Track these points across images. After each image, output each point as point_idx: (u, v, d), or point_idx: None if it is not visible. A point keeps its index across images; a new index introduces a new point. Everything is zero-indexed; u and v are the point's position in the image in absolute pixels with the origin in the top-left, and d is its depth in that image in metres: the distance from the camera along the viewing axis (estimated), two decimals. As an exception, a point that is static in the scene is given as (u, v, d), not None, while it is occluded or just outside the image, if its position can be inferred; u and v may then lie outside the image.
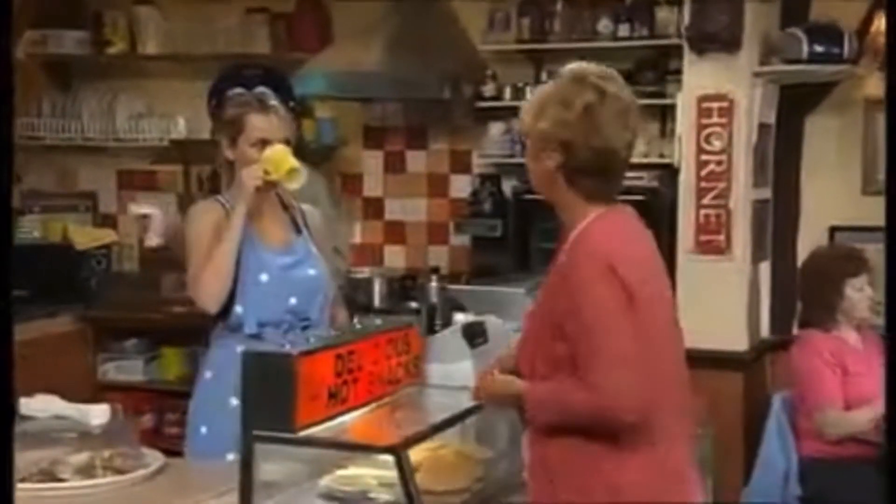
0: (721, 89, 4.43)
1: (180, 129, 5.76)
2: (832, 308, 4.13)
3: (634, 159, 2.45)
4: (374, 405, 2.58)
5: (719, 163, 4.46)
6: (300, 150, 3.25)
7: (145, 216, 5.59)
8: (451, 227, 5.49)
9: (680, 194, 4.55)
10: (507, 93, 5.20)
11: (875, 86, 4.54)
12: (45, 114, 5.96)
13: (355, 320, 3.42)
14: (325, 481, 2.53)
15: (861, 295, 4.11)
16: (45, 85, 6.03)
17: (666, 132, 5.00)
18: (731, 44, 4.38)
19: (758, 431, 4.27)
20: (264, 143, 3.12)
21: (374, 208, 5.71)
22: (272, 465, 2.41)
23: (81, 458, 2.70)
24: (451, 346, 2.86)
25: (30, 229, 5.63)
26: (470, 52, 5.10)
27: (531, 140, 2.38)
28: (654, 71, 4.94)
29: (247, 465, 2.33)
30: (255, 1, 5.71)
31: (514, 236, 5.07)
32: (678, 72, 4.69)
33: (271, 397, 2.31)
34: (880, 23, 4.48)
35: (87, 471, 2.66)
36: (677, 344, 2.41)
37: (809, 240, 4.74)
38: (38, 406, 2.81)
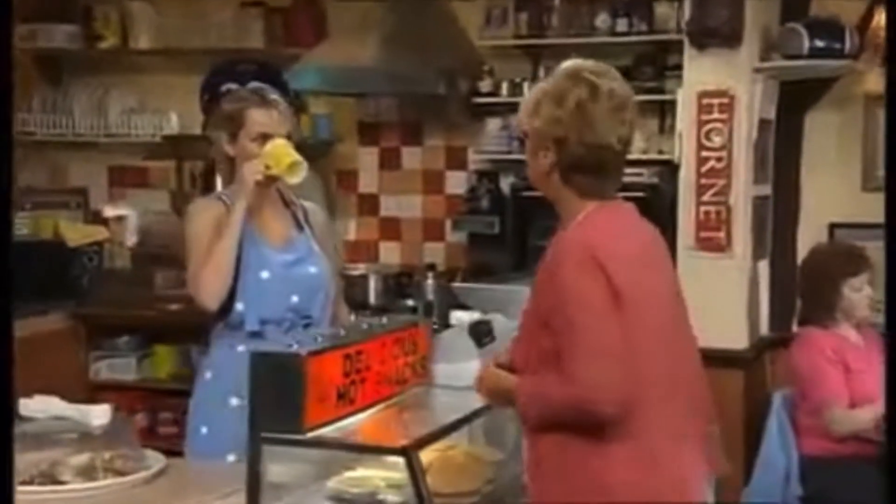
0: (722, 85, 4.40)
1: (173, 124, 5.71)
2: (831, 307, 4.11)
3: (633, 156, 2.45)
4: (381, 406, 2.54)
5: (719, 159, 4.43)
6: (297, 146, 3.21)
7: (120, 218, 5.57)
8: (449, 224, 5.45)
9: (680, 191, 4.51)
10: (504, 88, 5.17)
11: (875, 81, 4.51)
12: (35, 109, 5.90)
13: (356, 318, 3.39)
14: (333, 483, 2.49)
15: (860, 295, 4.09)
16: (35, 80, 5.97)
17: (665, 128, 4.97)
18: (731, 39, 4.34)
19: (758, 430, 4.25)
20: (265, 137, 3.08)
21: (369, 205, 5.67)
22: (279, 466, 2.37)
23: (82, 459, 2.65)
24: (458, 346, 2.82)
25: (20, 226, 5.55)
26: (467, 47, 5.07)
27: (529, 138, 2.40)
28: (653, 66, 4.92)
29: (254, 468, 2.28)
30: (250, -5, 5.67)
31: (512, 233, 5.04)
32: (677, 67, 4.66)
33: (279, 398, 2.27)
34: (881, 17, 4.45)
35: (87, 472, 2.62)
36: (677, 343, 2.37)
37: (809, 237, 4.72)
38: (37, 407, 2.76)
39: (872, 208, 3.83)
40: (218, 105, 3.31)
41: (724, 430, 3.96)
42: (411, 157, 5.59)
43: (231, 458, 2.93)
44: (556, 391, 2.22)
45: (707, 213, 4.45)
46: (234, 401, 3.01)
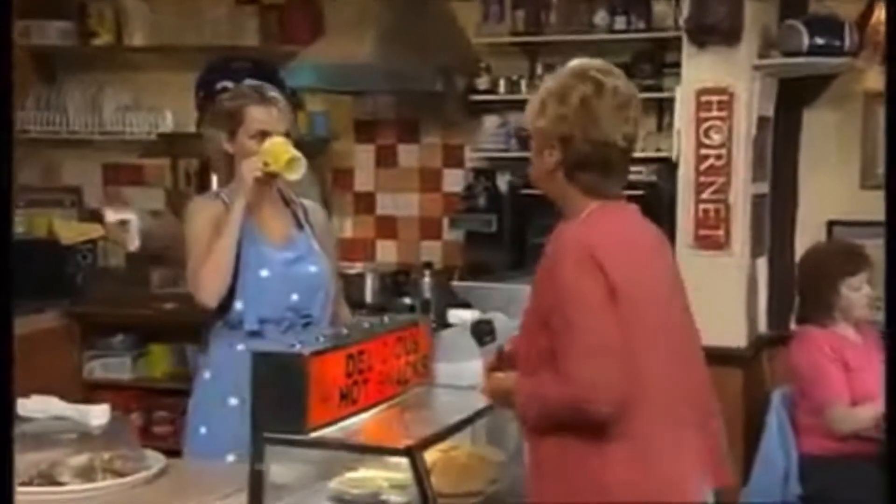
0: (721, 82, 4.38)
1: (168, 122, 5.68)
2: (829, 306, 4.10)
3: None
4: (383, 406, 2.52)
5: (719, 157, 4.41)
6: (295, 143, 3.19)
7: (123, 222, 5.53)
8: (445, 223, 5.43)
9: (679, 189, 4.50)
10: (502, 86, 5.15)
11: (874, 79, 4.50)
12: (29, 106, 5.85)
13: (357, 318, 3.36)
14: (335, 483, 2.47)
15: (859, 294, 4.07)
16: (29, 77, 5.92)
17: (663, 126, 4.96)
18: (730, 36, 4.32)
19: (757, 429, 4.24)
20: (264, 135, 3.06)
21: (365, 203, 5.65)
22: (280, 466, 2.35)
23: (81, 460, 2.62)
24: (460, 345, 2.80)
25: (14, 224, 5.52)
26: (464, 44, 5.05)
27: (533, 138, 2.39)
28: (651, 64, 4.90)
29: (256, 469, 2.26)
30: (245, -8, 5.64)
31: (510, 232, 5.02)
32: (675, 65, 4.64)
33: (282, 398, 2.25)
34: (880, 14, 4.43)
35: (86, 473, 2.59)
36: (677, 343, 2.36)
37: (807, 235, 4.71)
38: (35, 407, 2.72)
39: (871, 206, 3.83)
40: (213, 102, 3.29)
41: (724, 429, 3.99)
42: (408, 155, 5.57)
43: (230, 458, 2.92)
44: (553, 391, 2.21)
45: (706, 211, 4.43)
46: (233, 401, 2.99)
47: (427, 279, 5.03)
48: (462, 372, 2.75)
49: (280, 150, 3.02)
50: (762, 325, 4.76)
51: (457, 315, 3.08)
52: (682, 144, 4.48)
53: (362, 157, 5.63)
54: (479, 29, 5.20)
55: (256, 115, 3.08)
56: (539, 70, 5.11)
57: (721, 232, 4.42)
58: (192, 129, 5.24)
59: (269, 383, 2.26)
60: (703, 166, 4.43)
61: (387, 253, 5.61)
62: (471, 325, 2.82)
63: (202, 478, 2.76)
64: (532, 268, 2.38)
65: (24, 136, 5.79)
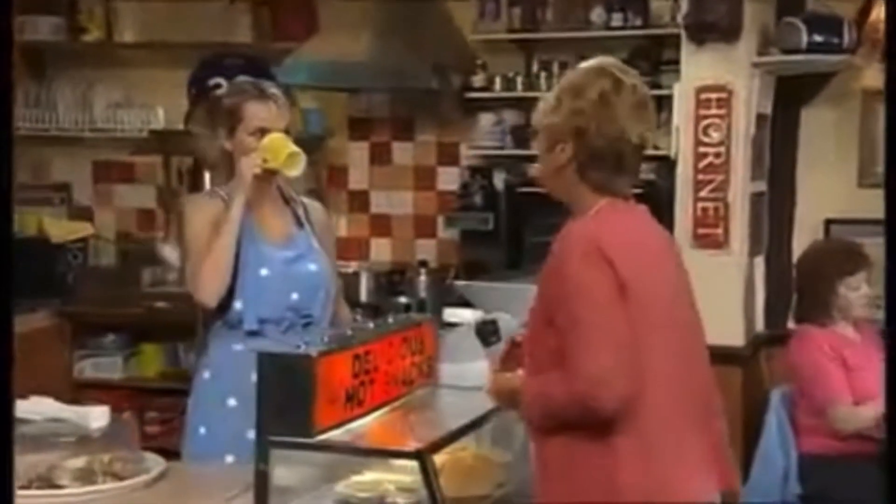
0: (720, 80, 4.35)
1: (159, 119, 5.63)
2: (828, 305, 4.08)
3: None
4: (388, 407, 2.48)
5: (717, 155, 4.38)
6: (294, 140, 3.15)
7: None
8: (441, 221, 5.40)
9: (677, 187, 4.46)
10: (498, 83, 5.13)
11: (872, 77, 4.48)
12: (17, 103, 5.78)
13: (357, 318, 3.34)
14: (341, 487, 2.43)
15: (857, 294, 4.05)
16: (18, 73, 5.86)
17: (660, 123, 4.91)
18: (730, 33, 4.29)
19: (756, 428, 4.21)
20: (263, 132, 3.02)
21: (359, 201, 5.62)
22: (285, 469, 2.30)
23: (79, 462, 2.59)
24: (464, 346, 2.76)
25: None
26: (459, 41, 5.03)
27: (543, 135, 2.37)
28: (648, 61, 4.87)
29: (262, 473, 2.21)
30: (238, -13, 5.60)
31: (506, 230, 4.99)
32: (672, 62, 4.63)
33: (288, 400, 2.20)
34: (879, 11, 4.42)
35: (85, 476, 2.56)
36: (683, 341, 2.33)
37: (805, 233, 4.69)
38: (31, 408, 2.69)
39: (869, 204, 3.81)
40: (205, 99, 3.24)
41: (726, 430, 3.97)
42: (403, 153, 5.54)
43: (229, 458, 2.89)
44: (559, 389, 2.18)
45: (705, 209, 4.40)
46: (232, 401, 2.96)
47: (422, 278, 5.00)
48: (466, 373, 2.72)
49: (279, 147, 2.98)
50: (760, 324, 4.73)
51: (455, 314, 3.04)
52: (681, 142, 4.45)
53: (357, 155, 5.59)
54: (475, 26, 5.18)
55: (256, 112, 3.03)
56: (535, 67, 5.08)
57: (720, 230, 4.39)
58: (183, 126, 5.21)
59: (275, 385, 2.22)
60: (701, 164, 4.40)
61: (381, 251, 5.58)
62: (476, 326, 2.80)
63: (202, 481, 2.72)
64: (530, 266, 2.36)
65: (14, 133, 5.73)
